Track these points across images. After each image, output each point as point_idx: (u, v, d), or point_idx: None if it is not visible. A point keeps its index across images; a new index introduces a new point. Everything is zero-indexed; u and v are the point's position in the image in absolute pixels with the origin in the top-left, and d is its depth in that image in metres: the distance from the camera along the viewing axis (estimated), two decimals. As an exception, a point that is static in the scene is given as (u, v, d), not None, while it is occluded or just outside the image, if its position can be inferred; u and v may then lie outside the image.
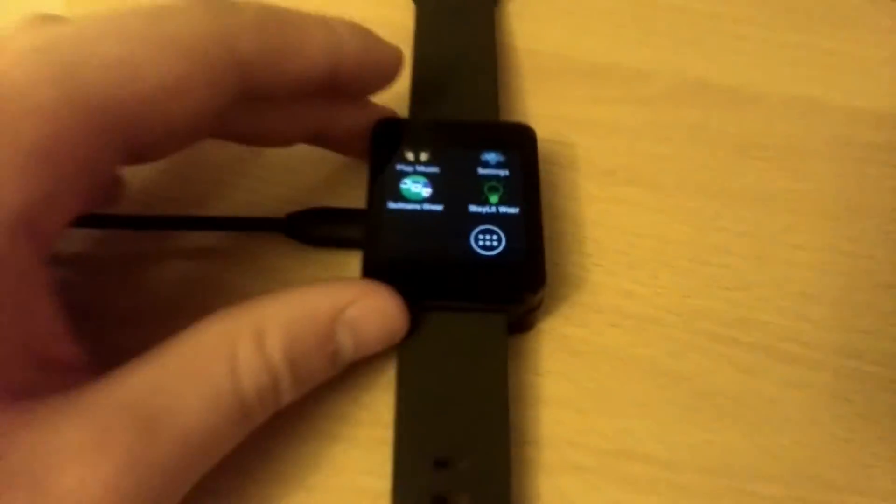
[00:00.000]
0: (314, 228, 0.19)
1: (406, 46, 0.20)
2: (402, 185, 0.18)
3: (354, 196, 0.20)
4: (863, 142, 0.23)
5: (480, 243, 0.17)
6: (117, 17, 0.13)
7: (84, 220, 0.18)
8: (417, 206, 0.18)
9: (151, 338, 0.14)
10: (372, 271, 0.17)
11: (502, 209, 0.18)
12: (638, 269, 0.19)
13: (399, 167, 0.18)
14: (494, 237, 0.17)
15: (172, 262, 0.19)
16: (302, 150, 0.20)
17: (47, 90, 0.12)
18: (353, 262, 0.18)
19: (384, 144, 0.19)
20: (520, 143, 0.19)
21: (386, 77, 0.18)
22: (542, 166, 0.19)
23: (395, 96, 0.20)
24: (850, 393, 0.18)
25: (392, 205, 0.18)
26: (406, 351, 0.17)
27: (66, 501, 0.11)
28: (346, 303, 0.15)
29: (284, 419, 0.17)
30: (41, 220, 0.12)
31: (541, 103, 0.23)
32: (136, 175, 0.20)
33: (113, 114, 0.13)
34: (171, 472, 0.12)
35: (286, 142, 0.19)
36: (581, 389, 0.17)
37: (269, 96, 0.16)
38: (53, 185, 0.12)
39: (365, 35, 0.17)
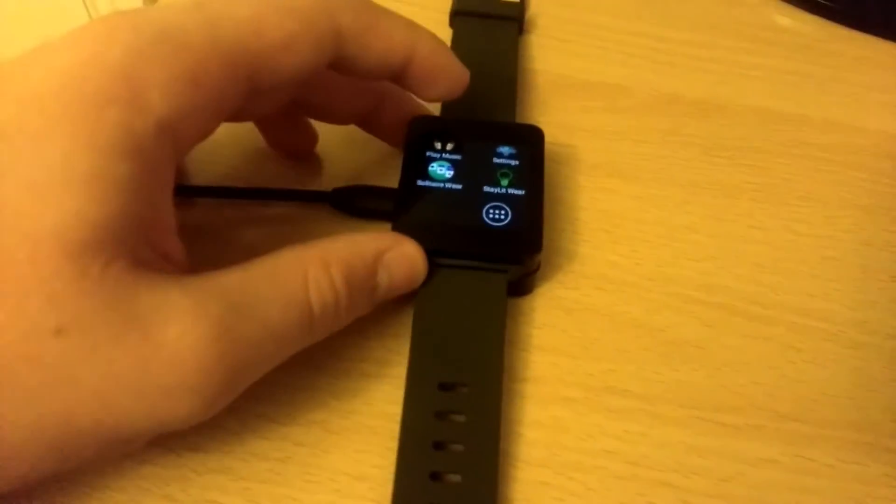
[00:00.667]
0: (356, 201, 0.23)
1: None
2: (430, 168, 0.22)
3: (389, 179, 0.23)
4: (812, 143, 0.26)
5: (491, 216, 0.21)
6: None
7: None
8: (441, 185, 0.21)
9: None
10: (399, 229, 0.20)
11: (511, 191, 0.21)
12: (619, 244, 0.23)
13: (428, 153, 0.22)
14: (502, 212, 0.21)
15: (236, 228, 0.23)
16: (345, 140, 0.23)
17: (196, 34, 0.15)
18: (385, 230, 0.22)
19: (418, 135, 0.23)
20: (530, 141, 0.23)
21: (449, 89, 0.20)
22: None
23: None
24: (800, 343, 0.21)
25: (420, 182, 0.21)
26: (421, 299, 0.20)
27: (167, 348, 0.14)
28: (385, 248, 0.19)
29: (328, 359, 0.20)
30: (180, 130, 0.15)
31: (541, 112, 0.27)
32: (202, 149, 0.24)
33: (242, 57, 0.16)
34: (251, 348, 0.15)
35: (344, 119, 0.23)
36: (571, 339, 0.21)
37: (350, 69, 0.18)
38: (192, 103, 0.15)
39: (441, 45, 0.20)
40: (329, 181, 0.24)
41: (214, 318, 0.15)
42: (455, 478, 0.18)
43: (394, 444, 0.18)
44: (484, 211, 0.21)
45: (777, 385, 0.20)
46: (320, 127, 0.25)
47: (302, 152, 0.25)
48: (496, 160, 0.22)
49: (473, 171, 0.22)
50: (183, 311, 0.14)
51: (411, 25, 0.19)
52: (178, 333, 0.14)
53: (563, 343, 0.21)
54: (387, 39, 0.18)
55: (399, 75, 0.19)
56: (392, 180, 0.22)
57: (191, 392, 0.14)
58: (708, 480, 0.18)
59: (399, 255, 0.19)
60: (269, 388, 0.19)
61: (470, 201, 0.21)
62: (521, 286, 0.21)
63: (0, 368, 0.13)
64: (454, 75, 0.20)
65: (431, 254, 0.20)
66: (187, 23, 0.16)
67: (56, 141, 0.14)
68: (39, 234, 0.13)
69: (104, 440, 0.14)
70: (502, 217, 0.21)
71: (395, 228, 0.20)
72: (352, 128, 0.24)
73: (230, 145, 0.25)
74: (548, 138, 0.23)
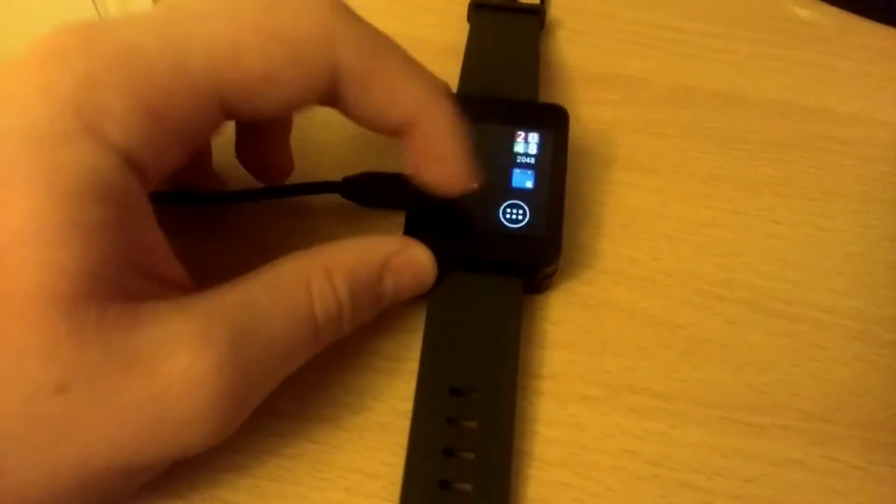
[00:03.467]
0: (367, 190, 0.22)
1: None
2: None
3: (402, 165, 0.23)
4: (834, 137, 0.26)
5: (507, 216, 0.20)
6: (234, 1, 0.15)
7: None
8: None
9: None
10: (412, 231, 0.20)
11: (530, 185, 0.20)
12: (638, 238, 0.22)
13: None
14: (520, 212, 0.20)
15: (246, 221, 0.22)
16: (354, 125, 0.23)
17: (159, 58, 0.14)
18: (398, 219, 0.21)
19: None
20: (553, 123, 0.21)
21: (442, 184, 0.18)
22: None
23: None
24: (825, 341, 0.20)
25: None
26: (434, 301, 0.19)
27: (175, 383, 0.13)
28: (392, 253, 0.18)
29: (339, 355, 0.19)
30: (146, 162, 0.14)
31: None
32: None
33: (213, 88, 0.14)
34: (259, 369, 0.15)
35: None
36: (590, 335, 0.20)
37: (342, 110, 0.16)
38: (154, 137, 0.14)
39: (453, 129, 0.17)
40: (339, 170, 0.23)
41: (220, 344, 0.14)
42: (465, 486, 0.17)
43: (406, 442, 0.17)
44: (500, 210, 0.20)
45: (802, 384, 0.20)
46: (329, 113, 0.24)
47: (271, 178, 0.21)
48: (516, 147, 0.21)
49: (492, 159, 0.21)
50: (187, 340, 0.14)
51: (429, 86, 0.16)
52: (184, 366, 0.13)
53: (581, 340, 0.20)
54: (390, 91, 0.16)
55: (396, 136, 0.17)
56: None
57: (203, 422, 0.14)
58: (731, 481, 0.18)
59: (406, 261, 0.18)
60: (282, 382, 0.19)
61: (486, 199, 0.20)
62: (538, 286, 0.21)
63: (8, 433, 0.13)
64: (453, 171, 0.17)
65: (443, 259, 0.19)
66: (150, 45, 0.14)
67: (17, 190, 0.12)
68: (27, 293, 0.12)
69: (121, 478, 0.14)
70: (520, 217, 0.20)
71: (407, 229, 0.20)
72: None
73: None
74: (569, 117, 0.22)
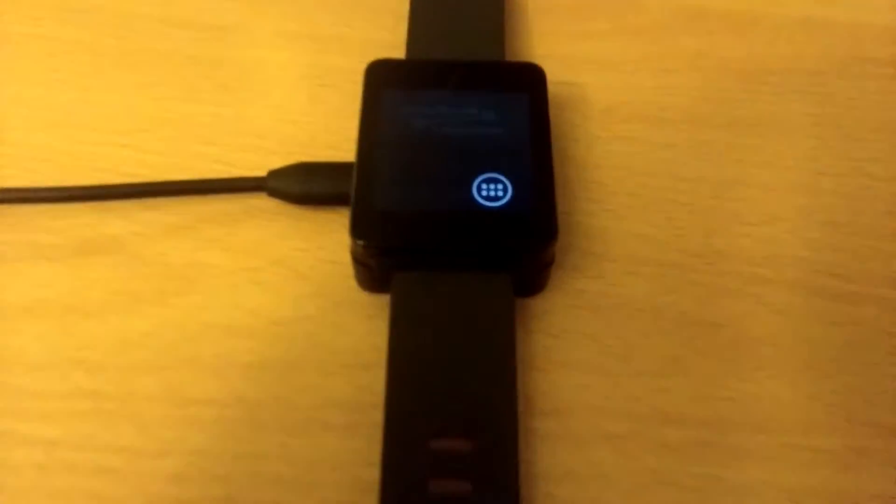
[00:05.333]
0: (299, 185, 0.16)
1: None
2: (397, 132, 0.16)
3: (345, 151, 0.17)
4: (873, 58, 0.21)
5: (483, 193, 0.15)
6: None
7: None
8: (413, 154, 0.15)
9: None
10: (360, 226, 0.14)
11: (508, 156, 0.15)
12: (651, 211, 0.17)
13: (394, 112, 0.16)
14: (499, 186, 0.15)
15: (148, 245, 0.17)
16: (284, 103, 0.17)
17: None
18: (341, 216, 0.16)
19: (379, 87, 0.16)
20: (527, 85, 0.17)
21: None
22: (538, 104, 0.16)
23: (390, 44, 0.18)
24: (899, 326, 0.16)
25: (384, 153, 0.15)
26: (398, 317, 0.14)
27: None
28: None
29: (273, 412, 0.14)
30: None
31: (533, 43, 0.21)
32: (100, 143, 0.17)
33: None
34: None
35: None
36: (604, 348, 0.15)
37: None
38: None
39: None
40: (269, 154, 0.18)
41: None
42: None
43: (375, 532, 0.13)
44: (474, 186, 0.15)
45: (879, 387, 0.15)
46: (250, 89, 0.18)
47: None
48: (485, 115, 0.16)
49: (456, 131, 0.16)
50: None
51: None
52: None
53: (594, 355, 0.15)
54: None
55: None
56: (348, 152, 0.16)
57: None
58: (807, 532, 0.14)
59: None
60: (198, 459, 0.14)
61: (454, 175, 0.15)
62: (531, 283, 0.16)
63: None
64: None
65: (405, 254, 0.14)
66: None
67: None
68: None
69: None
70: (500, 193, 0.15)
71: (353, 225, 0.14)
72: (296, 83, 0.18)
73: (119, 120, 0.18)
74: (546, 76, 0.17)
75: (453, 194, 0.15)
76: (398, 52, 0.19)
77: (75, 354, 0.15)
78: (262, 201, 0.17)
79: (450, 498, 0.13)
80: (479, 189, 0.15)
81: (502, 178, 0.15)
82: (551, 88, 0.17)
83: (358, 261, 0.15)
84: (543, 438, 0.14)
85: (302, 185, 0.16)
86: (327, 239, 0.17)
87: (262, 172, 0.17)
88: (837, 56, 0.21)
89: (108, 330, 0.15)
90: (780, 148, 0.19)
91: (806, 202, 0.18)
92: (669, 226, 0.17)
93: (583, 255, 0.17)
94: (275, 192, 0.17)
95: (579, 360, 0.15)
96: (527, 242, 0.15)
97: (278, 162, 0.17)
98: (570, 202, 0.18)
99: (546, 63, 0.18)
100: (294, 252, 0.17)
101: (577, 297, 0.16)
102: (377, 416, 0.14)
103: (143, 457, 0.14)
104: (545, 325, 0.16)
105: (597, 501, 0.14)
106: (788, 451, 0.14)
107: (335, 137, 0.18)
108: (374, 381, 0.15)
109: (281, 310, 0.16)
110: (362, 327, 0.16)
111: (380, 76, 0.17)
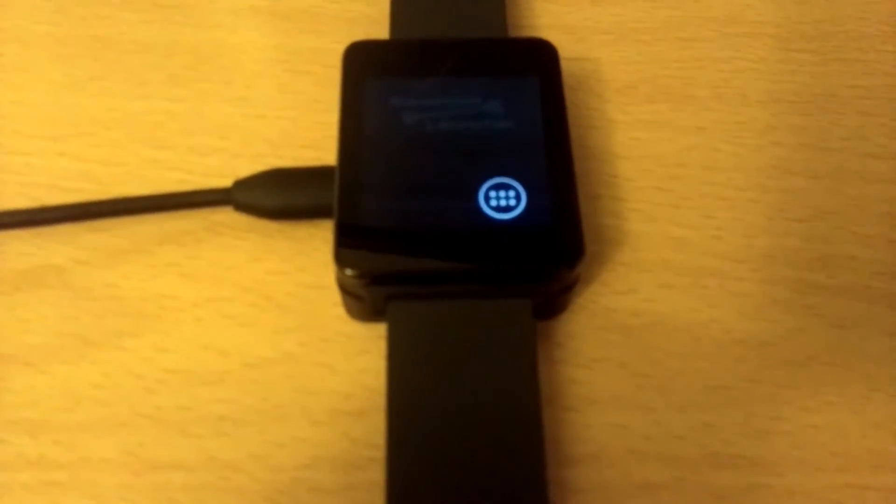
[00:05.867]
0: (272, 197, 0.14)
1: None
2: (385, 130, 0.13)
3: (326, 152, 0.15)
4: (925, 17, 0.18)
5: (493, 203, 0.13)
6: None
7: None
8: (405, 155, 0.13)
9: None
10: (346, 251, 0.12)
11: (519, 156, 0.13)
12: (684, 207, 0.15)
13: (379, 105, 0.13)
14: (511, 193, 0.13)
15: (86, 269, 0.14)
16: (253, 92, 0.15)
17: None
18: (323, 230, 0.14)
19: (360, 75, 0.14)
20: (537, 66, 0.14)
21: None
22: (551, 88, 0.14)
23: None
24: (974, 335, 0.14)
25: (371, 156, 0.13)
26: (396, 353, 0.12)
27: None
28: None
29: (246, 475, 0.12)
30: None
31: (539, 14, 0.18)
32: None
33: None
34: None
35: None
36: (640, 378, 0.13)
37: None
38: None
39: None
40: (234, 158, 0.15)
41: None
42: None
43: None
44: (481, 194, 0.13)
45: (956, 409, 0.13)
46: (208, 79, 0.16)
47: None
48: (489, 105, 0.14)
49: (455, 127, 0.13)
50: None
51: None
52: None
53: (627, 387, 0.13)
54: None
55: None
56: (329, 151, 0.13)
57: None
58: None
59: None
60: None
61: (455, 180, 0.13)
62: (552, 305, 0.13)
63: None
64: None
65: (401, 283, 0.12)
66: None
67: None
68: None
69: None
70: (512, 202, 0.13)
71: (337, 244, 0.12)
72: (262, 70, 0.15)
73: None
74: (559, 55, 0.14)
75: (456, 206, 0.13)
76: (381, 29, 0.16)
77: (14, 414, 0.13)
78: (228, 217, 0.14)
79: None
80: (487, 198, 0.13)
81: (514, 183, 0.13)
82: (566, 66, 0.14)
83: (346, 291, 0.13)
84: (576, 492, 0.12)
85: (275, 198, 0.14)
86: (308, 259, 0.14)
87: (226, 181, 0.14)
88: (880, 17, 0.18)
89: (52, 382, 0.13)
90: (824, 126, 0.16)
91: (858, 190, 0.15)
92: (706, 225, 0.15)
93: (610, 265, 0.14)
94: (243, 207, 0.14)
95: (612, 394, 0.13)
96: (549, 263, 0.12)
97: (245, 166, 0.15)
98: (590, 202, 0.15)
99: (552, 35, 0.15)
100: (269, 276, 0.14)
101: (606, 318, 0.14)
102: (376, 476, 0.12)
103: (99, 538, 0.12)
104: (570, 354, 0.13)
105: (641, 568, 0.12)
106: (855, 491, 0.12)
107: (311, 134, 0.16)
108: (371, 432, 0.12)
109: (257, 348, 0.13)
110: (354, 366, 0.13)
111: (361, 62, 0.14)
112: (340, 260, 0.12)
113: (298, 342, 0.13)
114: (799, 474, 0.13)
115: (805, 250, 0.15)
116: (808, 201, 0.15)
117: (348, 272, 0.12)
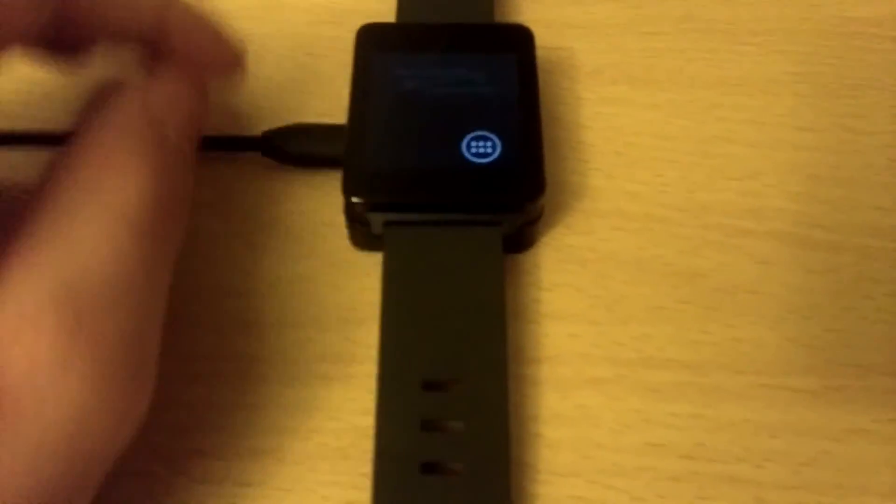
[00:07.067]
0: (292, 145, 0.17)
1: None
2: (388, 93, 0.16)
3: (338, 115, 0.18)
4: (857, 18, 0.21)
5: (473, 150, 0.15)
6: None
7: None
8: (403, 114, 0.16)
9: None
10: (353, 182, 0.15)
11: (497, 114, 0.16)
12: (638, 168, 0.18)
13: (384, 74, 0.16)
14: (488, 143, 0.16)
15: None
16: (281, 68, 0.18)
17: None
18: (333, 179, 0.17)
19: (369, 49, 0.17)
20: (516, 46, 0.17)
21: (218, 70, 0.15)
22: (524, 66, 0.17)
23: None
24: (877, 273, 0.17)
25: (375, 114, 0.16)
26: (390, 269, 0.15)
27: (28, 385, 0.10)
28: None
29: (271, 362, 0.15)
30: None
31: (520, 9, 0.21)
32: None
33: None
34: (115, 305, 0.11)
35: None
36: (591, 299, 0.16)
37: (84, 36, 0.14)
38: None
39: (198, 19, 0.15)
40: (260, 122, 0.18)
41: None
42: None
43: (370, 469, 0.13)
44: (464, 144, 0.16)
45: (856, 330, 0.16)
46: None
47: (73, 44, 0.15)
48: (475, 75, 0.17)
49: (446, 91, 0.16)
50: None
51: None
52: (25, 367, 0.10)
53: (581, 306, 0.16)
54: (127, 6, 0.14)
55: (156, 49, 0.14)
56: (341, 115, 0.16)
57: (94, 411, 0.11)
58: (785, 467, 0.14)
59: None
60: (200, 410, 0.15)
61: (443, 133, 0.16)
62: (520, 239, 0.16)
63: None
64: (223, 54, 0.15)
65: (396, 209, 0.15)
66: None
67: None
68: None
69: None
70: (489, 150, 0.15)
71: (346, 181, 0.15)
72: (286, 54, 0.18)
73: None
74: (534, 36, 0.17)
75: (443, 151, 0.16)
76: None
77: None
78: (255, 164, 0.17)
79: (444, 435, 0.13)
80: (469, 146, 0.16)
81: (491, 135, 0.16)
82: (540, 53, 0.18)
83: (351, 218, 0.16)
84: (532, 383, 0.15)
85: (297, 146, 0.17)
86: (320, 202, 0.17)
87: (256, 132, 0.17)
88: (819, 17, 0.21)
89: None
90: (763, 105, 0.19)
91: (787, 157, 0.18)
92: (656, 182, 0.18)
93: (572, 212, 0.17)
94: (270, 152, 0.17)
95: (567, 311, 0.16)
96: (516, 196, 0.15)
97: (270, 126, 0.18)
98: (559, 162, 0.18)
99: (535, 28, 0.18)
100: (288, 215, 0.17)
101: (567, 253, 0.17)
102: (372, 368, 0.14)
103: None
104: (534, 280, 0.16)
105: (583, 440, 0.14)
106: (768, 390, 0.15)
107: (327, 104, 0.19)
108: (369, 335, 0.15)
109: (276, 270, 0.16)
110: (356, 285, 0.16)
111: (370, 39, 0.17)
112: (347, 190, 0.15)
113: (311, 267, 0.16)
114: (721, 375, 0.15)
115: (738, 202, 0.17)
116: (745, 165, 0.18)
117: (354, 199, 0.15)
